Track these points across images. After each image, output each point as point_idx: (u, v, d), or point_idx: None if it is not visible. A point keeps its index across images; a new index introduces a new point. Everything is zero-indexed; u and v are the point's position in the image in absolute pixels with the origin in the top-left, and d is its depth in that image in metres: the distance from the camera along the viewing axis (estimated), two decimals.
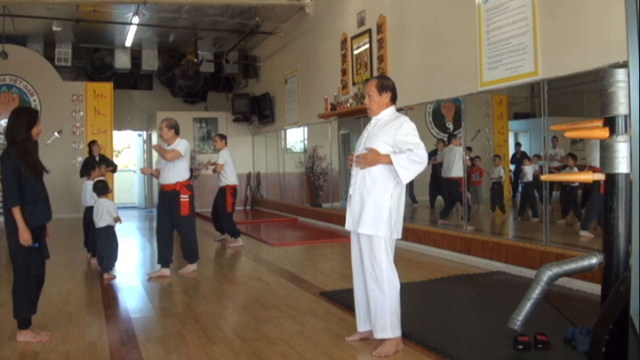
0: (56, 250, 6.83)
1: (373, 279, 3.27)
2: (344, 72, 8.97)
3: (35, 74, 11.83)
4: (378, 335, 3.29)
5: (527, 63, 5.29)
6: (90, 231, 6.20)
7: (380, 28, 7.83)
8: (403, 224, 3.40)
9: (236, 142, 12.46)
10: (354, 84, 8.70)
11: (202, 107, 14.62)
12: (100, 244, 5.65)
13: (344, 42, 8.93)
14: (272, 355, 3.29)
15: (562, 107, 6.67)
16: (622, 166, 2.68)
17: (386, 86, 3.39)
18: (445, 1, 6.54)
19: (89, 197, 6.25)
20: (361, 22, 8.41)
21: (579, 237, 6.15)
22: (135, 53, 13.07)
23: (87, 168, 6.72)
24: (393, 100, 3.43)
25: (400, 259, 4.84)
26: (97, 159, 7.48)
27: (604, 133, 2.74)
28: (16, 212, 3.44)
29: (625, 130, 2.67)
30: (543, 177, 4.78)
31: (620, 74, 2.67)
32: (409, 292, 4.14)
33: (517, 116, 8.60)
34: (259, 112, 12.83)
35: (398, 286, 3.29)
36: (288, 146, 12.20)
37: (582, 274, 3.47)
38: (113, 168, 7.95)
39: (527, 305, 3.01)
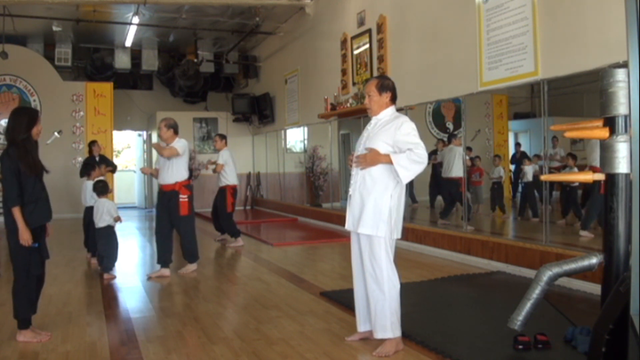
0: (56, 250, 6.84)
1: (373, 279, 3.27)
2: (344, 72, 8.97)
3: (35, 74, 11.83)
4: (378, 335, 3.29)
5: (527, 63, 5.29)
6: (90, 231, 6.20)
7: (380, 28, 7.83)
8: (403, 223, 3.40)
9: (236, 142, 12.47)
10: (354, 84, 8.70)
11: (202, 107, 14.62)
12: (101, 244, 5.65)
13: (344, 42, 8.93)
14: (272, 355, 3.29)
15: (562, 107, 6.67)
16: (622, 166, 2.68)
17: (386, 86, 3.39)
18: (445, 1, 6.54)
19: (89, 197, 6.25)
20: (361, 22, 8.41)
21: (579, 237, 6.15)
22: (135, 53, 13.07)
23: (87, 168, 6.71)
24: (393, 100, 3.43)
25: (400, 259, 4.84)
26: (97, 159, 7.48)
27: (604, 133, 2.74)
28: (16, 212, 3.44)
29: (625, 130, 2.67)
30: (543, 177, 4.78)
31: (620, 74, 2.67)
32: (409, 292, 4.14)
33: (517, 116, 8.60)
34: (259, 112, 12.83)
35: (398, 286, 3.29)
36: (288, 146, 12.20)
37: (582, 274, 3.47)
38: (113, 168, 7.95)
39: (527, 305, 3.01)
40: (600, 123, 2.79)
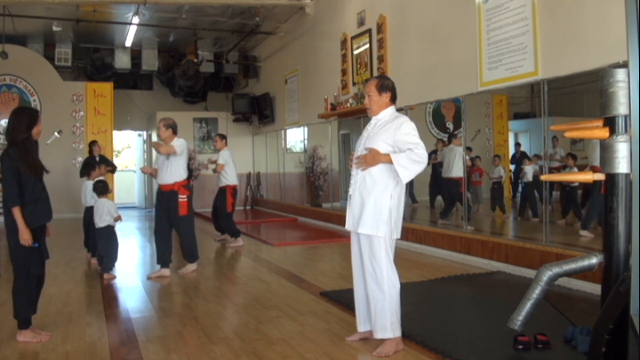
0: (56, 250, 6.84)
1: (373, 279, 3.27)
2: (344, 72, 8.97)
3: (35, 74, 11.83)
4: (378, 335, 3.29)
5: (527, 63, 5.29)
6: (91, 231, 6.20)
7: (380, 28, 7.83)
8: (403, 223, 3.40)
9: (236, 142, 12.47)
10: (354, 84, 8.70)
11: (202, 107, 14.62)
12: (101, 244, 5.65)
13: (344, 42, 8.93)
14: (272, 355, 3.29)
15: (562, 107, 6.67)
16: (622, 166, 2.68)
17: (386, 86, 3.39)
18: (445, 1, 6.54)
19: (89, 197, 6.24)
20: (361, 22, 8.41)
21: (579, 237, 6.15)
22: (135, 53, 13.07)
23: (87, 168, 6.72)
24: (393, 100, 3.43)
25: (400, 259, 4.85)
26: (97, 159, 7.48)
27: (604, 133, 2.74)
28: (16, 212, 3.44)
29: (625, 130, 2.67)
30: (543, 177, 4.78)
31: (620, 74, 2.67)
32: (409, 292, 4.14)
33: (517, 116, 8.60)
34: (259, 112, 12.83)
35: (398, 286, 3.29)
36: (288, 146, 12.20)
37: (582, 274, 3.47)
38: (112, 168, 7.95)
39: (527, 305, 3.01)
40: (600, 123, 2.79)
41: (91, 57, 12.99)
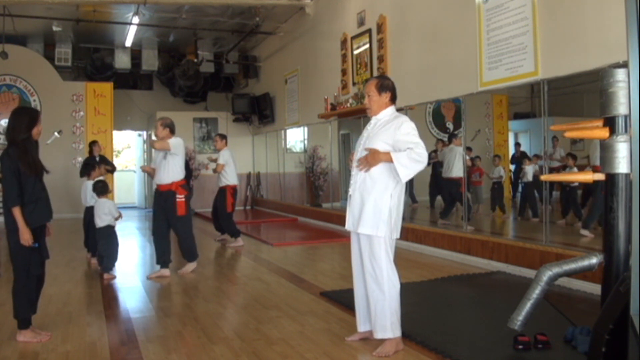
0: (56, 250, 6.84)
1: (373, 279, 3.27)
2: (344, 72, 8.97)
3: (35, 74, 11.83)
4: (378, 335, 3.29)
5: (527, 63, 5.29)
6: (91, 231, 6.20)
7: (380, 28, 7.83)
8: (403, 223, 3.40)
9: (236, 142, 12.47)
10: (354, 84, 8.70)
11: (202, 107, 14.62)
12: (101, 244, 5.65)
13: (344, 42, 8.93)
14: (272, 355, 3.29)
15: (562, 107, 6.67)
16: (622, 166, 2.68)
17: (386, 86, 3.39)
18: (445, 1, 6.54)
19: (89, 197, 6.24)
20: (361, 22, 8.41)
21: (579, 237, 6.15)
22: (135, 53, 13.07)
23: (87, 168, 6.72)
24: (393, 100, 3.43)
25: (400, 259, 4.85)
26: (97, 159, 7.48)
27: (604, 133, 2.74)
28: (16, 212, 3.44)
29: (625, 130, 2.67)
30: (543, 177, 4.79)
31: (620, 74, 2.67)
32: (409, 292, 4.14)
33: (517, 116, 8.61)
34: (259, 112, 12.83)
35: (398, 286, 3.29)
36: (288, 146, 12.20)
37: (582, 274, 3.47)
38: (111, 168, 7.96)
39: (527, 305, 3.01)
40: (600, 123, 2.79)
41: (91, 57, 12.99)
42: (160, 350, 3.41)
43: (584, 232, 6.14)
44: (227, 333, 3.75)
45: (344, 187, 9.47)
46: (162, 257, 5.70)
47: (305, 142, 11.16)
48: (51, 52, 12.32)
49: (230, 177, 7.64)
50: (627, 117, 2.65)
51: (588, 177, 2.95)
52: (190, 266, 5.87)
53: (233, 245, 7.60)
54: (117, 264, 5.79)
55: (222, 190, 7.70)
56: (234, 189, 7.70)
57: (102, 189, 5.75)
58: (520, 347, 3.14)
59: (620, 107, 2.68)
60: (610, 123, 2.73)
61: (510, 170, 8.47)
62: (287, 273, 5.71)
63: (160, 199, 5.72)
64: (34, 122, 3.60)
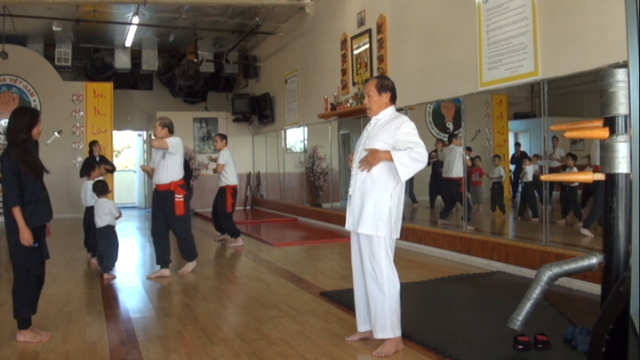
0: (56, 250, 6.84)
1: (373, 279, 3.27)
2: (344, 72, 8.97)
3: (35, 74, 11.83)
4: (378, 335, 3.29)
5: (527, 63, 5.29)
6: (91, 231, 6.20)
7: (380, 28, 7.83)
8: (403, 223, 3.40)
9: (236, 142, 12.46)
10: (354, 84, 8.70)
11: (202, 107, 14.62)
12: (101, 244, 5.65)
13: (344, 42, 8.93)
14: (272, 355, 3.29)
15: (562, 107, 6.68)
16: (622, 166, 2.68)
17: (386, 86, 3.39)
18: (445, 1, 6.54)
19: (89, 197, 6.24)
20: (361, 22, 8.41)
21: (579, 237, 6.15)
22: (135, 53, 13.07)
23: (87, 168, 6.72)
24: (393, 100, 3.43)
25: (400, 259, 4.85)
26: (97, 159, 7.48)
27: (604, 133, 2.74)
28: (16, 212, 3.44)
29: (625, 130, 2.67)
30: (543, 177, 4.78)
31: (620, 74, 2.67)
32: (409, 292, 4.14)
33: (517, 116, 8.61)
34: (259, 112, 12.83)
35: (398, 286, 3.29)
36: (288, 146, 12.20)
37: (582, 274, 3.47)
38: (111, 168, 7.96)
39: (527, 305, 3.01)
40: (600, 123, 2.79)
41: (91, 57, 12.99)
42: (160, 350, 3.41)
43: (585, 231, 6.14)
44: (227, 333, 3.75)
45: (344, 187, 9.47)
46: (162, 257, 5.69)
47: (305, 142, 11.16)
48: (51, 52, 12.32)
49: (230, 177, 7.64)
50: (627, 117, 2.65)
51: (588, 177, 2.95)
52: (190, 266, 5.87)
53: (233, 245, 7.60)
54: (117, 264, 5.79)
55: (222, 190, 7.70)
56: (234, 189, 7.70)
57: (102, 189, 5.75)
58: (520, 347, 3.14)
59: (620, 107, 2.68)
60: (610, 123, 2.73)
61: (510, 170, 8.47)
62: (287, 273, 5.71)
63: (159, 199, 5.72)
64: (34, 122, 3.60)
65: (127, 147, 19.17)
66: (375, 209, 3.24)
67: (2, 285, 5.14)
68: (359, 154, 3.38)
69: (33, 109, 4.04)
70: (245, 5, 10.03)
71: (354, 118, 8.89)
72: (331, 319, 4.01)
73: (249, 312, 4.26)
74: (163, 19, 11.11)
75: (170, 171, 5.62)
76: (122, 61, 12.91)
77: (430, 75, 6.78)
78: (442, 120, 8.50)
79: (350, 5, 8.79)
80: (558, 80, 5.09)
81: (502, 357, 3.13)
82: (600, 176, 2.80)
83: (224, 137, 7.96)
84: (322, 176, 10.57)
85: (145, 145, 14.64)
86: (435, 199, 8.45)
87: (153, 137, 5.88)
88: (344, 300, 4.34)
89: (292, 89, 11.26)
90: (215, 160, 7.82)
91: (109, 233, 5.69)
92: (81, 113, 12.18)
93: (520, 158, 8.15)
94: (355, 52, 8.61)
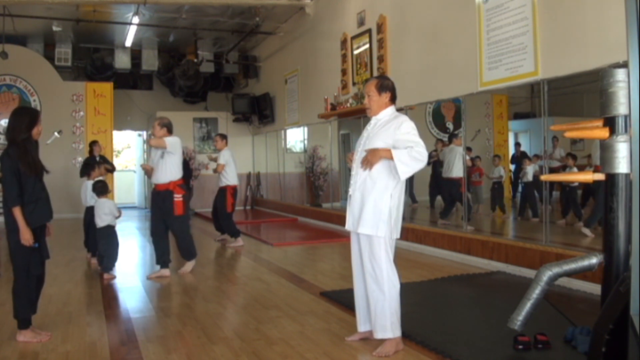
0: (56, 250, 6.84)
1: (373, 279, 3.27)
2: (344, 72, 8.97)
3: (35, 74, 11.82)
4: (378, 335, 3.29)
5: (527, 63, 5.29)
6: (91, 231, 6.20)
7: (380, 28, 7.83)
8: (403, 223, 3.40)
9: (236, 142, 12.47)
10: (354, 84, 8.70)
11: (202, 107, 14.62)
12: (101, 244, 5.65)
13: (344, 42, 8.93)
14: (272, 355, 3.29)
15: (562, 107, 6.68)
16: (622, 166, 2.68)
17: (386, 86, 3.39)
18: (445, 1, 6.54)
19: (89, 197, 6.24)
20: (361, 22, 8.41)
21: (579, 237, 6.15)
22: (135, 53, 13.06)
23: (87, 168, 6.72)
24: (392, 100, 3.43)
25: (400, 259, 4.85)
26: (97, 159, 7.48)
27: (604, 133, 2.74)
28: (17, 212, 3.44)
29: (625, 130, 2.67)
30: (543, 177, 4.79)
31: (620, 74, 2.67)
32: (409, 292, 4.14)
33: (517, 116, 8.61)
34: (259, 112, 12.83)
35: (398, 286, 3.29)
36: (288, 146, 12.20)
37: (582, 274, 3.47)
38: (111, 167, 7.96)
39: (527, 305, 3.01)
40: (600, 123, 2.79)
41: (91, 57, 12.99)
42: (160, 350, 3.41)
43: (585, 230, 6.14)
44: (227, 333, 3.75)
45: (344, 187, 9.47)
46: (161, 257, 5.69)
47: (305, 142, 11.16)
48: (51, 52, 12.32)
49: (230, 177, 7.64)
50: (627, 117, 2.65)
51: (588, 177, 2.95)
52: (189, 265, 5.87)
53: (233, 245, 7.60)
54: (117, 264, 5.79)
55: (222, 190, 7.70)
56: (234, 189, 7.70)
57: (102, 189, 5.75)
58: (520, 347, 3.14)
59: (620, 107, 2.68)
60: (610, 123, 2.73)
61: (510, 170, 8.47)
62: (287, 273, 5.71)
63: (157, 199, 5.72)
64: (34, 122, 3.60)
65: (127, 147, 19.17)
66: (375, 209, 3.24)
67: (2, 285, 5.14)
68: (359, 154, 3.38)
69: (33, 109, 4.04)
70: (245, 5, 10.02)
71: (354, 118, 8.89)
72: (331, 319, 4.01)
73: (249, 312, 4.26)
74: (163, 19, 11.11)
75: (169, 171, 5.62)
76: (122, 61, 12.91)
77: (430, 75, 6.78)
78: (442, 120, 8.50)
79: (350, 5, 8.79)
80: (558, 80, 5.09)
81: (502, 357, 3.13)
82: (600, 176, 2.80)
83: (224, 137, 7.96)
84: (322, 176, 10.57)
85: (145, 145, 14.64)
86: (435, 199, 8.45)
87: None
88: (344, 300, 4.34)
89: (292, 89, 11.26)
90: (215, 159, 7.82)
91: (109, 233, 5.69)
92: (81, 113, 12.18)
93: (520, 158, 8.15)
94: (355, 52, 8.61)
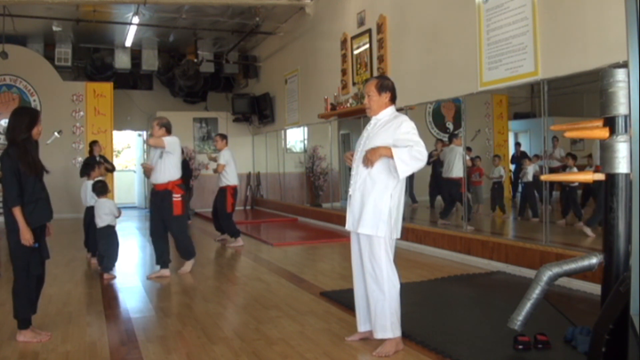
0: (56, 250, 6.83)
1: (373, 279, 3.27)
2: (344, 72, 8.97)
3: (35, 74, 11.82)
4: (378, 335, 3.29)
5: (527, 63, 5.29)
6: (91, 231, 6.20)
7: (380, 28, 7.83)
8: (403, 223, 3.40)
9: (236, 142, 12.46)
10: (354, 84, 8.70)
11: (202, 107, 14.62)
12: (101, 244, 5.65)
13: (344, 42, 8.93)
14: (272, 355, 3.29)
15: (562, 107, 6.68)
16: (622, 166, 2.69)
17: (385, 86, 3.40)
18: (445, 1, 6.54)
19: (89, 197, 6.24)
20: (361, 22, 8.41)
21: (579, 237, 6.14)
22: (135, 53, 13.06)
23: (87, 168, 6.72)
24: (392, 100, 3.43)
25: (400, 259, 4.84)
26: (97, 159, 7.49)
27: (604, 133, 2.74)
28: (17, 212, 3.44)
29: (625, 130, 2.67)
30: (543, 177, 4.79)
31: (620, 74, 2.67)
32: (409, 292, 4.14)
33: (517, 116, 8.61)
34: (259, 112, 12.83)
35: (398, 286, 3.29)
36: (288, 146, 12.20)
37: (582, 274, 3.47)
38: (111, 167, 7.96)
39: (527, 305, 3.01)
40: (600, 123, 2.79)
41: (91, 57, 12.99)
42: (160, 350, 3.41)
43: (587, 229, 6.13)
44: (227, 333, 3.75)
45: (344, 187, 9.47)
46: (161, 257, 5.69)
47: (305, 142, 11.16)
48: (51, 52, 12.32)
49: (230, 177, 7.64)
50: (627, 117, 2.65)
51: (588, 177, 2.96)
52: (189, 265, 5.86)
53: (233, 245, 7.60)
54: (117, 264, 5.79)
55: (223, 191, 7.70)
56: (234, 189, 7.70)
57: (102, 189, 5.75)
58: (520, 347, 3.14)
59: (620, 107, 2.68)
60: (610, 123, 2.73)
61: (510, 170, 8.47)
62: (287, 273, 5.71)
63: (156, 199, 5.72)
64: (34, 122, 3.60)
65: (127, 147, 19.17)
66: (375, 209, 3.24)
67: (2, 285, 5.14)
68: (359, 154, 3.38)
69: (33, 109, 4.04)
70: (245, 5, 10.03)
71: (354, 118, 8.89)
72: (331, 319, 4.01)
73: (249, 312, 4.26)
74: (163, 19, 11.11)
75: (168, 171, 5.62)
76: (122, 61, 12.91)
77: (430, 75, 6.78)
78: (442, 120, 8.50)
79: (350, 5, 8.79)
80: (558, 80, 5.09)
81: (502, 357, 3.13)
82: (600, 176, 2.80)
83: (224, 137, 7.96)
84: (322, 176, 10.57)
85: (145, 146, 14.64)
86: (435, 199, 8.45)
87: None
88: (344, 300, 4.34)
89: (292, 89, 11.26)
90: (215, 159, 7.81)
91: (109, 233, 5.69)
92: (81, 113, 12.18)
93: (520, 158, 8.15)
94: (355, 52, 8.61)
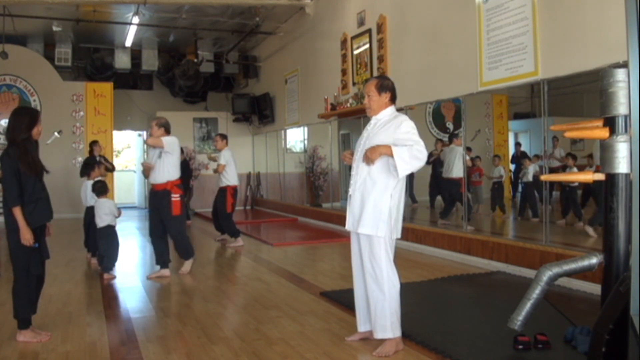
0: (56, 250, 6.83)
1: (373, 279, 3.27)
2: (344, 72, 8.97)
3: (35, 74, 11.83)
4: (378, 335, 3.29)
5: (527, 63, 5.29)
6: (91, 231, 6.20)
7: (380, 28, 7.83)
8: (403, 223, 3.40)
9: (236, 142, 12.46)
10: (354, 84, 8.70)
11: (202, 107, 14.62)
12: (101, 244, 5.65)
13: (344, 42, 8.93)
14: (272, 355, 3.29)
15: (562, 107, 6.68)
16: (622, 166, 2.69)
17: (385, 86, 3.40)
18: (445, 1, 6.54)
19: (89, 197, 6.24)
20: (361, 22, 8.41)
21: (579, 237, 6.14)
22: (135, 53, 13.07)
23: (87, 168, 6.72)
24: (392, 100, 3.43)
25: (400, 259, 4.85)
26: (98, 159, 7.49)
27: (604, 133, 2.74)
28: (17, 212, 3.44)
29: (625, 130, 2.67)
30: (543, 177, 4.79)
31: (620, 74, 2.67)
32: (409, 292, 4.14)
33: (517, 116, 8.61)
34: (259, 112, 12.83)
35: (398, 286, 3.29)
36: (288, 146, 12.20)
37: (582, 274, 3.47)
38: (110, 167, 7.96)
39: (527, 305, 3.01)
40: (600, 123, 2.79)
41: (91, 57, 12.99)
42: (160, 350, 3.41)
43: (588, 229, 6.13)
44: (227, 333, 3.75)
45: (344, 187, 9.47)
46: (161, 257, 5.69)
47: (305, 142, 11.16)
48: (51, 52, 12.32)
49: (230, 178, 7.64)
50: (627, 117, 2.65)
51: (588, 177, 2.95)
52: (188, 264, 5.86)
53: (233, 245, 7.60)
54: (117, 264, 5.79)
55: (223, 191, 7.70)
56: (234, 189, 7.70)
57: (101, 189, 5.75)
58: (520, 347, 3.14)
59: (620, 107, 2.68)
60: (610, 123, 2.73)
61: (510, 170, 8.47)
62: (287, 273, 5.71)
63: (155, 199, 5.72)
64: (34, 122, 3.60)
65: (127, 147, 19.17)
66: (375, 209, 3.24)
67: (2, 285, 5.14)
68: (359, 154, 3.38)
69: (33, 109, 4.04)
70: (245, 5, 10.03)
71: (354, 118, 8.89)
72: (331, 319, 4.01)
73: (249, 312, 4.26)
74: (163, 19, 11.11)
75: (167, 171, 5.62)
76: (122, 61, 12.91)
77: (430, 75, 6.78)
78: (442, 120, 8.50)
79: (350, 5, 8.79)
80: (558, 80, 5.09)
81: (502, 357, 3.13)
82: (600, 176, 2.80)
83: (224, 137, 7.96)
84: (322, 176, 10.57)
85: (144, 146, 14.64)
86: (435, 199, 8.45)
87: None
88: (344, 300, 4.35)
89: (292, 89, 11.26)
90: (215, 159, 7.81)
91: (110, 233, 5.69)
92: (81, 113, 12.18)
93: (520, 158, 8.15)
94: (355, 52, 8.61)
